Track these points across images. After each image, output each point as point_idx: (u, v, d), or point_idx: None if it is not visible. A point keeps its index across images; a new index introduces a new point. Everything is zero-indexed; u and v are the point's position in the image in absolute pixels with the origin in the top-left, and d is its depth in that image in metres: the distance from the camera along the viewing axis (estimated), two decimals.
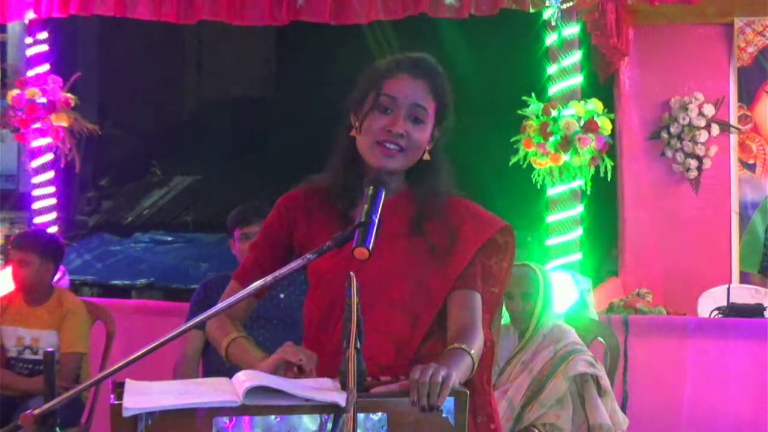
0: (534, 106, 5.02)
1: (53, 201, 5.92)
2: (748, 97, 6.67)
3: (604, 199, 6.37)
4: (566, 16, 5.02)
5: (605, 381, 3.74)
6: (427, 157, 2.26)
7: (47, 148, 5.84)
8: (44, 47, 5.94)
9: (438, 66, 2.27)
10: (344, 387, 1.83)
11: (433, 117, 2.24)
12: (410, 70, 2.22)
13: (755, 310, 5.32)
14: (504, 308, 3.90)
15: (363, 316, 1.83)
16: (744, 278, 6.53)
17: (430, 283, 2.22)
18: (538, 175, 5.06)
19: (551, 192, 5.06)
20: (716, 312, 5.44)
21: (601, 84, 6.57)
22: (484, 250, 2.26)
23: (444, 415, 1.88)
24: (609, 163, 5.03)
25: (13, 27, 8.30)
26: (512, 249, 2.31)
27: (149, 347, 1.83)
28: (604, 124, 4.95)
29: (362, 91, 2.24)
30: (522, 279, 3.82)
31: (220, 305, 1.94)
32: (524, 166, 5.07)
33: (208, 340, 4.12)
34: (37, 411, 1.75)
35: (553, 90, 5.05)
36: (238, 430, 1.82)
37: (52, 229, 5.74)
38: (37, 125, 5.74)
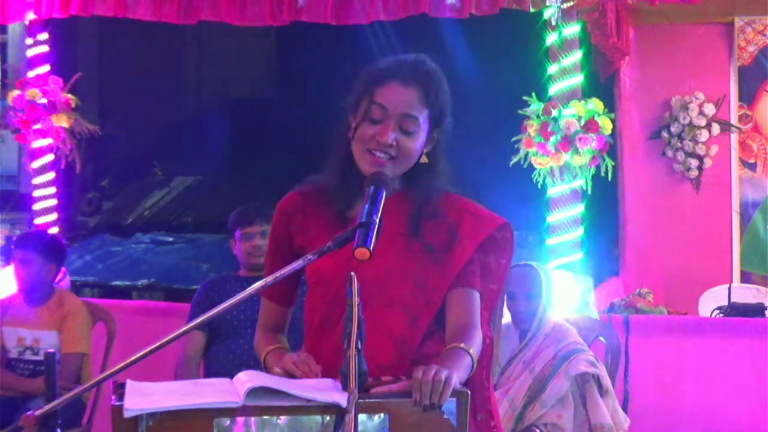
0: (534, 106, 5.02)
1: (54, 202, 5.92)
2: (748, 97, 6.67)
3: (604, 199, 6.36)
4: (567, 15, 5.01)
5: (606, 380, 3.74)
6: (425, 160, 2.26)
7: (48, 149, 5.84)
8: (44, 48, 5.93)
9: (433, 70, 2.24)
10: (345, 387, 1.83)
11: (427, 122, 2.22)
12: (402, 77, 2.19)
13: (756, 310, 5.31)
14: (505, 308, 3.90)
15: (363, 315, 1.83)
16: (745, 278, 6.53)
17: (430, 282, 2.22)
18: (539, 175, 5.06)
19: (552, 192, 5.06)
20: (717, 311, 5.43)
21: (602, 83, 6.56)
22: (482, 247, 2.26)
23: (445, 416, 1.88)
24: (610, 163, 5.03)
25: (14, 28, 8.30)
26: (511, 245, 2.31)
27: (150, 348, 1.83)
28: (605, 124, 4.95)
29: (357, 96, 2.23)
30: (525, 279, 3.82)
31: (221, 306, 1.93)
32: (525, 165, 5.07)
33: (208, 341, 4.18)
34: (38, 412, 1.75)
35: (553, 89, 5.05)
36: (239, 431, 1.82)
37: (53, 230, 5.73)
38: (38, 126, 5.74)
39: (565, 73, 5.04)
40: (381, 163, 2.19)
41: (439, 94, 2.23)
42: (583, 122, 4.93)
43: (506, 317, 3.93)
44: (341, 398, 1.83)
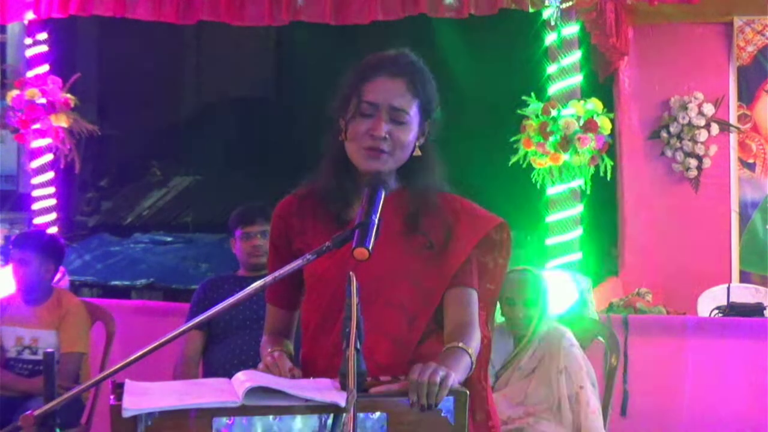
0: (534, 106, 5.02)
1: (53, 201, 5.92)
2: (747, 97, 6.67)
3: (603, 199, 6.36)
4: (566, 15, 5.02)
5: (595, 384, 3.71)
6: (417, 152, 2.26)
7: (47, 149, 5.84)
8: (44, 48, 5.94)
9: (417, 61, 2.27)
10: (344, 387, 1.83)
11: (418, 114, 2.24)
12: (387, 71, 2.22)
13: (755, 310, 5.32)
14: (500, 312, 3.88)
15: (361, 315, 1.83)
16: (744, 277, 6.53)
17: (427, 282, 2.22)
18: (538, 175, 5.06)
19: (551, 192, 5.06)
20: (716, 311, 5.44)
21: (601, 83, 6.56)
22: (480, 247, 2.27)
23: (443, 414, 1.88)
24: (609, 163, 5.04)
25: (13, 28, 8.28)
26: (508, 245, 2.31)
27: (149, 348, 1.83)
28: (604, 124, 4.95)
29: (345, 97, 2.25)
30: (524, 285, 3.78)
31: (220, 306, 1.93)
32: (524, 165, 5.07)
33: (207, 341, 4.17)
34: (37, 412, 1.75)
35: (552, 89, 5.05)
36: (238, 431, 1.82)
37: (52, 230, 5.74)
38: (37, 126, 5.74)
39: (564, 73, 5.05)
40: (377, 156, 2.19)
41: (425, 84, 2.25)
42: (582, 122, 4.93)
43: (498, 317, 3.92)
44: (340, 398, 1.83)
